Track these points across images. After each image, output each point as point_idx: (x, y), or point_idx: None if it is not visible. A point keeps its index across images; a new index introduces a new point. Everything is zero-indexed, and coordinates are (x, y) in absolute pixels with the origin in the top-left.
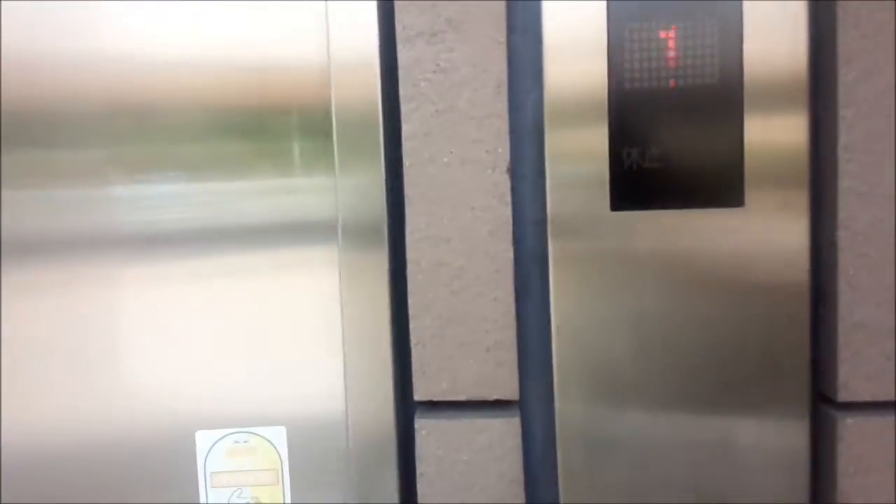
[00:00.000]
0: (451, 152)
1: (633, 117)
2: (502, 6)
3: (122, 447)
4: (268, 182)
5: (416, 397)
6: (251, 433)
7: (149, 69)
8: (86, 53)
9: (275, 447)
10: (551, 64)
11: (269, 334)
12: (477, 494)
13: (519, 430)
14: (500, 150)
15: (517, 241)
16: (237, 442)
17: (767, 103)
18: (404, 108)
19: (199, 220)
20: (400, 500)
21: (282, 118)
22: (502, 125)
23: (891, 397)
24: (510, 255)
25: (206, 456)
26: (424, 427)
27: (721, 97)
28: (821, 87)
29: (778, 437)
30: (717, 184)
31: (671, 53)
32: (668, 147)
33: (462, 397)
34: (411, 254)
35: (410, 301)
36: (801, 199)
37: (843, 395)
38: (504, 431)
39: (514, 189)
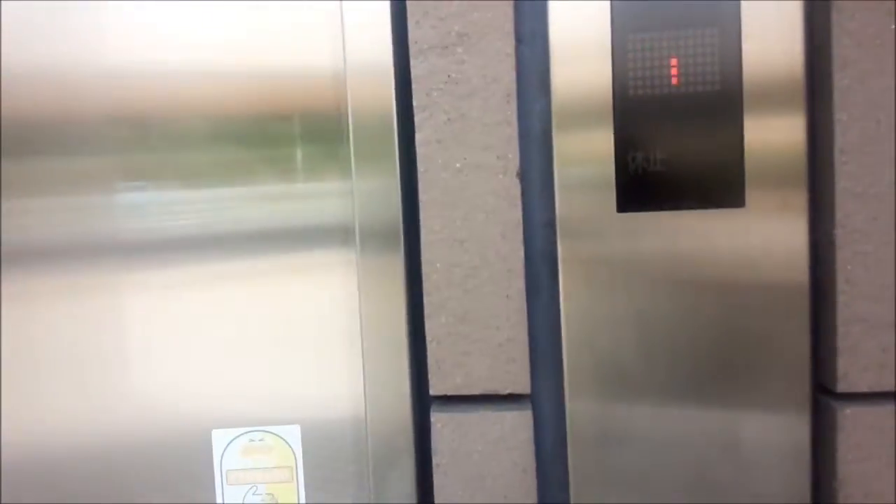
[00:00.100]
0: (464, 158)
1: (638, 122)
2: (510, 19)
3: (140, 447)
4: (284, 187)
5: (432, 392)
6: (266, 432)
7: (162, 78)
8: (96, 61)
9: (289, 445)
10: (558, 72)
11: (285, 336)
12: (490, 484)
13: (530, 423)
14: (510, 155)
15: (527, 242)
16: (252, 440)
17: (766, 108)
18: (418, 117)
19: (218, 226)
20: (416, 490)
21: (297, 124)
22: (512, 132)
23: (888, 388)
24: (521, 255)
25: (223, 454)
26: (440, 420)
27: (721, 102)
28: (817, 92)
29: (780, 427)
30: (718, 185)
31: (673, 61)
32: (671, 151)
33: (476, 391)
34: (426, 255)
35: (426, 300)
36: (800, 200)
37: (842, 386)
38: (516, 424)
39: (523, 192)
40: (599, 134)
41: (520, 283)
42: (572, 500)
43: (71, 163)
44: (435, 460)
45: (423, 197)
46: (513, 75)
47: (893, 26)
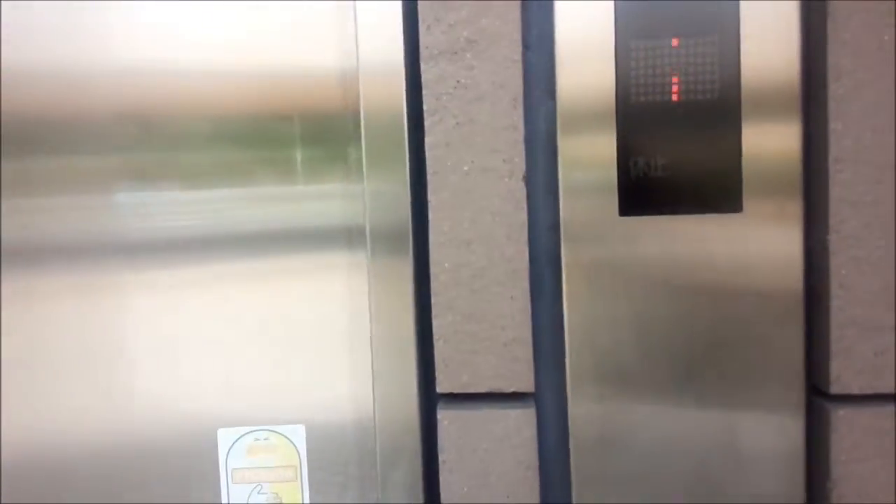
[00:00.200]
0: (472, 162)
1: (640, 129)
2: (517, 26)
3: (147, 445)
4: (291, 188)
5: (439, 389)
6: (271, 431)
7: (171, 78)
8: (102, 60)
9: (294, 445)
10: (563, 79)
11: (290, 336)
12: (495, 480)
13: (534, 420)
14: (516, 159)
15: (532, 244)
16: (257, 439)
17: (764, 117)
18: (428, 121)
19: (222, 227)
20: (423, 485)
21: (305, 125)
22: (518, 137)
23: (881, 390)
24: (526, 257)
25: (228, 453)
26: (446, 417)
27: (720, 111)
28: (813, 102)
29: (776, 428)
30: (717, 191)
31: (674, 70)
32: (672, 157)
33: (481, 389)
34: (434, 256)
35: (433, 300)
36: (796, 206)
37: (835, 388)
38: (520, 421)
39: (529, 195)
40: (603, 139)
41: (524, 284)
42: (574, 496)
43: (77, 162)
44: (441, 456)
45: (433, 199)
46: (519, 81)
47: (887, 37)
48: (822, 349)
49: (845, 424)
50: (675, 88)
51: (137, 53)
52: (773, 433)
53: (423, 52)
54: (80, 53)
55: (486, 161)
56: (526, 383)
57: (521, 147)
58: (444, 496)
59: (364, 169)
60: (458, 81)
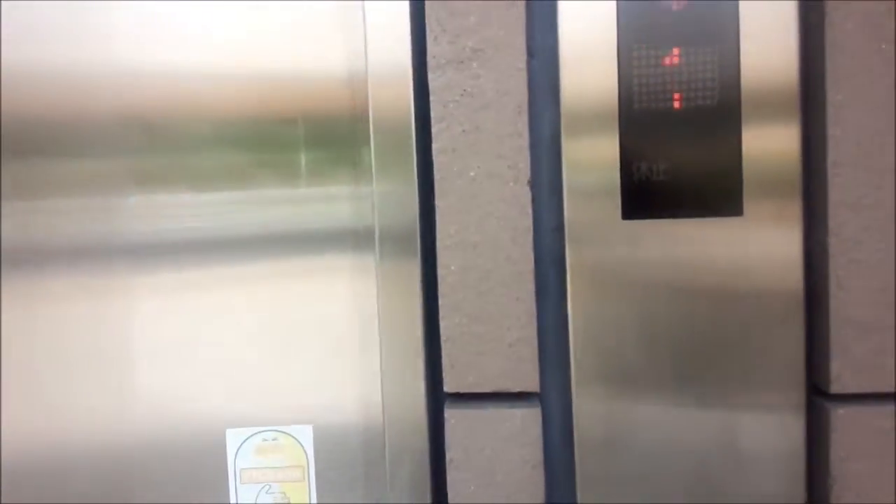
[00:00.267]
0: (478, 167)
1: (642, 134)
2: (522, 35)
3: (156, 446)
4: (297, 191)
5: (446, 389)
6: (279, 431)
7: (179, 80)
8: (105, 62)
9: (301, 445)
10: (567, 85)
11: (298, 337)
12: (501, 478)
13: (539, 420)
14: (521, 164)
15: (537, 247)
16: (266, 440)
17: (763, 122)
18: (435, 128)
19: (229, 229)
20: (430, 483)
21: (313, 128)
22: (523, 143)
23: (880, 389)
24: (531, 259)
25: (236, 453)
26: (453, 416)
27: (721, 116)
28: (812, 107)
29: (776, 427)
30: (717, 195)
31: (675, 76)
32: (673, 161)
33: (488, 389)
34: (442, 258)
35: (441, 301)
36: (795, 209)
37: (835, 388)
38: (526, 421)
39: (534, 199)
40: (606, 144)
41: (530, 286)
42: (578, 495)
43: (80, 164)
44: (448, 455)
45: (440, 203)
46: (524, 89)
47: (885, 46)
48: (822, 349)
49: (845, 424)
50: (676, 94)
51: (142, 55)
52: (774, 432)
53: (431, 62)
54: (82, 55)
55: (492, 166)
56: (531, 383)
57: (526, 153)
58: (451, 495)
59: (374, 172)
60: (464, 90)
